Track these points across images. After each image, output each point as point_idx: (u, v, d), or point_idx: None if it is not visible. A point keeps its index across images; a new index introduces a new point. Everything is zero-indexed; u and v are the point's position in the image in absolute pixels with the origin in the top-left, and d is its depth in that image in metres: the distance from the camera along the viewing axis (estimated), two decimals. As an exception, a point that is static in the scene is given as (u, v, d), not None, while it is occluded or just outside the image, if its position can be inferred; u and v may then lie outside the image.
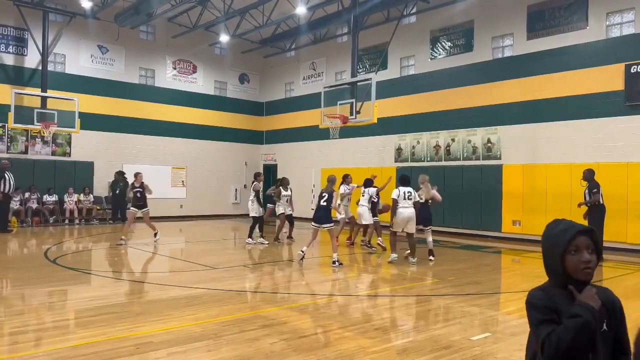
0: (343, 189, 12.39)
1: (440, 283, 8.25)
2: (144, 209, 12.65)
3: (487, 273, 9.61)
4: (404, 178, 10.39)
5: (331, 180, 10.40)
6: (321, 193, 10.24)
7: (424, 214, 10.31)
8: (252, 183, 12.98)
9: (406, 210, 9.94)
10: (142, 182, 12.69)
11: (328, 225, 9.93)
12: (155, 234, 12.86)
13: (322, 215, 9.97)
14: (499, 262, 11.61)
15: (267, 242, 12.77)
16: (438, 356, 4.62)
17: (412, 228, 10.04)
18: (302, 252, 9.97)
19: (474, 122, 16.01)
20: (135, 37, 20.35)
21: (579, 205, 11.23)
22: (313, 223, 10.05)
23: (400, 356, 4.62)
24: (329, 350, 4.70)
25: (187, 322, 5.62)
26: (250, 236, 12.87)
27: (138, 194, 12.54)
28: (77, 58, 18.99)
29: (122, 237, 12.42)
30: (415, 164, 17.42)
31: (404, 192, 10.01)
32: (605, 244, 12.55)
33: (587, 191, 11.19)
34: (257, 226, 12.89)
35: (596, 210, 10.99)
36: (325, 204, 9.98)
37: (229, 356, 4.52)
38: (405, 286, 8.07)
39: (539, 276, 9.45)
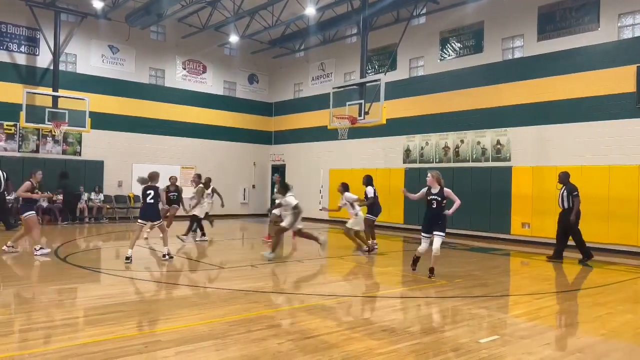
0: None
1: (448, 285, 8.22)
2: (32, 213, 10.38)
3: (495, 275, 9.56)
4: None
5: (152, 177, 10.06)
6: (145, 190, 9.90)
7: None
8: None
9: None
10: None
11: (158, 222, 10.04)
12: (12, 247, 10.40)
13: (150, 212, 9.88)
14: (507, 265, 11.53)
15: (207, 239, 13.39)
16: (445, 358, 4.61)
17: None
18: (130, 255, 9.56)
19: (484, 124, 15.93)
20: (146, 37, 20.49)
21: (572, 219, 10.74)
22: (139, 220, 9.91)
23: (408, 358, 4.61)
24: (335, 351, 4.70)
25: (195, 321, 5.65)
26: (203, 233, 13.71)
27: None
28: (88, 58, 19.16)
29: (38, 246, 10.25)
30: (424, 165, 17.36)
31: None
32: (614, 247, 12.46)
33: (565, 194, 10.87)
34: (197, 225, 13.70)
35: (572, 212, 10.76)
36: (152, 201, 9.85)
37: (236, 356, 4.53)
38: (413, 288, 8.05)
39: (547, 279, 9.43)
